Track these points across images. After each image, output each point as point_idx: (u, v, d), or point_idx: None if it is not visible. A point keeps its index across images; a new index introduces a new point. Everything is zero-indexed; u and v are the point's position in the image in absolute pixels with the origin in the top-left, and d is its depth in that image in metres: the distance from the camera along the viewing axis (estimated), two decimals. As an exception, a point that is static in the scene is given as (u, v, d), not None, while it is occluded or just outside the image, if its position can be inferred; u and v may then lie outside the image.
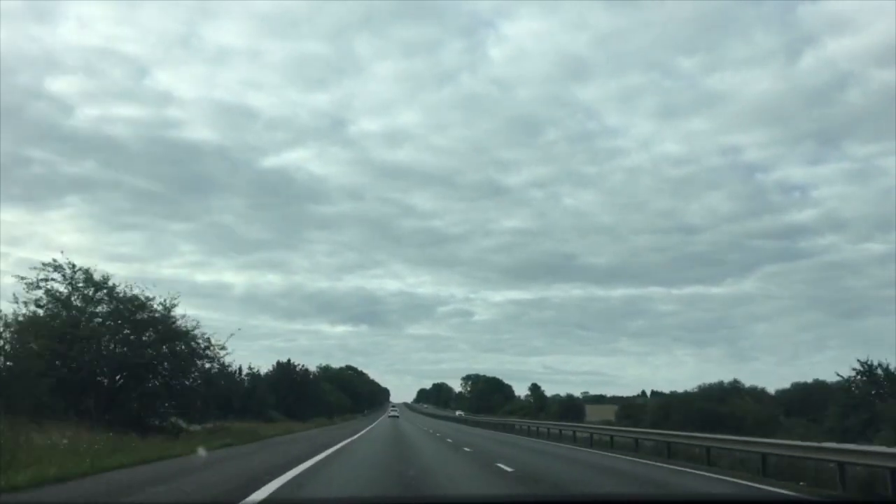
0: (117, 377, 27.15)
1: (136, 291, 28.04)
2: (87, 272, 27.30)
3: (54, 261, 26.67)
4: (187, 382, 29.46)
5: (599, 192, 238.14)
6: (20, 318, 24.83)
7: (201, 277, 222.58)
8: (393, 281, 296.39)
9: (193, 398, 29.34)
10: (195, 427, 29.68)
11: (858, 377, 40.25)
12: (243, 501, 9.11)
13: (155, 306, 28.27)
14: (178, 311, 28.93)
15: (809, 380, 64.60)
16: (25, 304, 25.61)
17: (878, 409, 36.58)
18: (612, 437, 30.33)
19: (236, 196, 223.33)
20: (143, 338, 27.76)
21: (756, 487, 14.38)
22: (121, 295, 27.69)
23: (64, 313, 26.58)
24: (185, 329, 29.04)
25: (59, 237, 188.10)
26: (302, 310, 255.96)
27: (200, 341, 29.58)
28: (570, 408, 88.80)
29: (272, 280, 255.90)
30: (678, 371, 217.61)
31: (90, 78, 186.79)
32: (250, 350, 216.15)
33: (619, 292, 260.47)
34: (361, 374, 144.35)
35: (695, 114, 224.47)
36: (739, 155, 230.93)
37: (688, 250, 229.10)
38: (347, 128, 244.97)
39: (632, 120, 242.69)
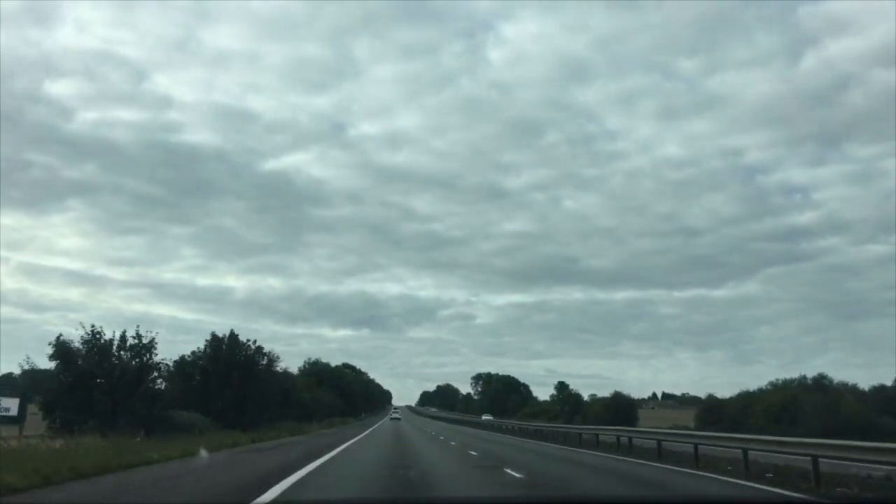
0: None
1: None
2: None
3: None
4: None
5: (600, 194, 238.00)
6: None
7: (202, 281, 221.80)
8: (394, 284, 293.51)
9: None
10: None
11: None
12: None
13: None
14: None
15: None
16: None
17: None
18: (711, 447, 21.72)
19: (237, 200, 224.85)
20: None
21: None
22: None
23: None
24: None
25: (60, 241, 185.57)
26: (303, 314, 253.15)
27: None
28: (619, 409, 68.91)
29: (273, 284, 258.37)
30: (680, 374, 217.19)
31: (89, 81, 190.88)
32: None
33: (620, 295, 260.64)
34: (360, 374, 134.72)
35: (695, 116, 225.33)
36: (740, 157, 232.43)
37: (689, 253, 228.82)
38: (347, 131, 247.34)
39: (632, 122, 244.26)
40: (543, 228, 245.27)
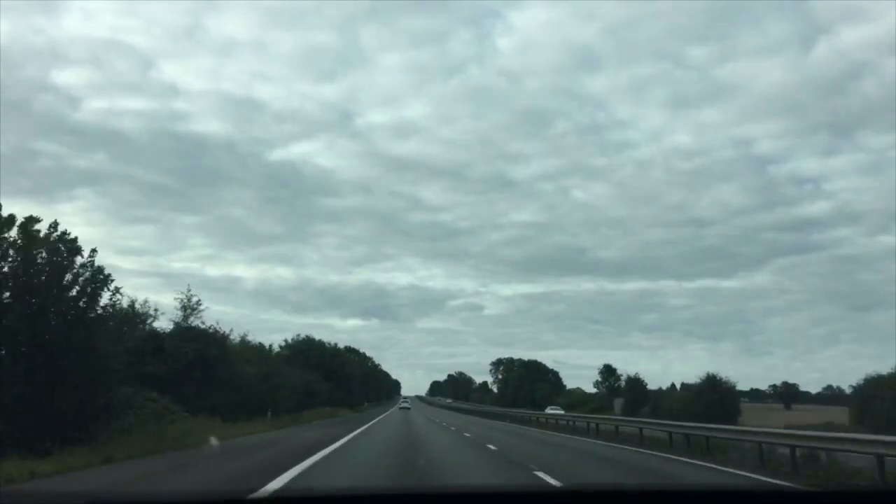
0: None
1: None
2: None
3: None
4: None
5: (609, 184, 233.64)
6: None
7: (212, 271, 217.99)
8: (403, 274, 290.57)
9: None
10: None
11: None
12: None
13: None
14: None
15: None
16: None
17: None
18: None
19: (245, 189, 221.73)
20: None
21: None
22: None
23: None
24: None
25: (69, 231, 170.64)
26: (313, 304, 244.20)
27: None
28: (714, 402, 45.23)
29: (282, 274, 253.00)
30: (690, 365, 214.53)
31: (96, 70, 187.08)
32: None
33: (630, 286, 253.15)
34: (366, 358, 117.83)
35: (706, 105, 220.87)
36: (751, 147, 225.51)
37: (699, 243, 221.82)
38: (355, 120, 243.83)
39: (642, 111, 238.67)
40: (552, 219, 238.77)
